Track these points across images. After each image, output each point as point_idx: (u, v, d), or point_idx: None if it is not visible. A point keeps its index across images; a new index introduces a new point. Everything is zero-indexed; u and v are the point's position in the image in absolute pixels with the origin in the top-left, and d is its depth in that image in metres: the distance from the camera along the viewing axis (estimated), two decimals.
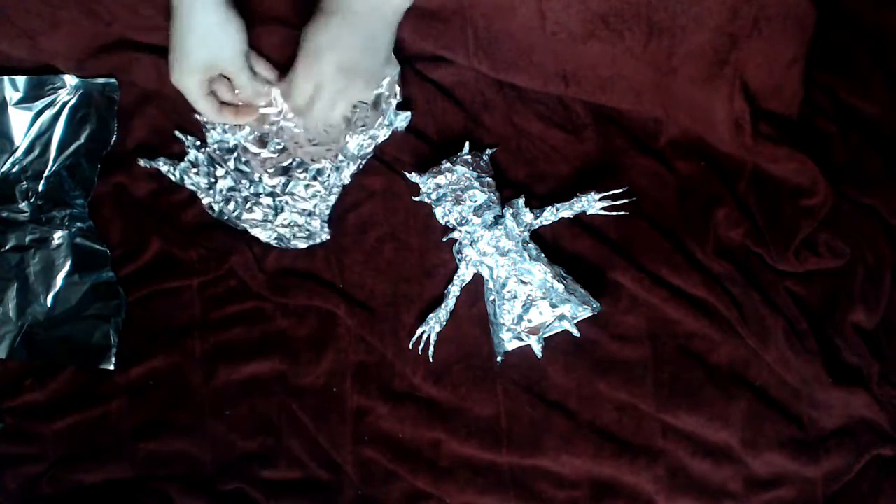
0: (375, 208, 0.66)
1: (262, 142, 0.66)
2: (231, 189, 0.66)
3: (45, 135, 0.67)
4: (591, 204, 0.62)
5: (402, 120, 0.65)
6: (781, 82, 0.63)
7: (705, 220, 0.64)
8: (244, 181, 0.66)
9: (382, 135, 0.65)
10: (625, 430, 0.62)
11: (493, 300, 0.61)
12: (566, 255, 0.64)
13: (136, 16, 0.65)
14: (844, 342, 0.62)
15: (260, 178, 0.66)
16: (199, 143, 0.66)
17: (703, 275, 0.63)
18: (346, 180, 0.65)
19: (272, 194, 0.65)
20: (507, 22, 0.63)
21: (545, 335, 0.60)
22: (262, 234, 0.65)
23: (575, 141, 0.66)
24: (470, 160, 0.63)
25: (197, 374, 0.65)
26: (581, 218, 0.64)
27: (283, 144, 0.65)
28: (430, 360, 0.63)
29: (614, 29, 0.62)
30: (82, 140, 0.67)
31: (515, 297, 0.60)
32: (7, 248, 0.66)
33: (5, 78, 0.66)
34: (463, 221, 0.62)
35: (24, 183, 0.67)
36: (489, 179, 0.63)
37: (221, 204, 0.66)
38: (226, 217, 0.66)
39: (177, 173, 0.66)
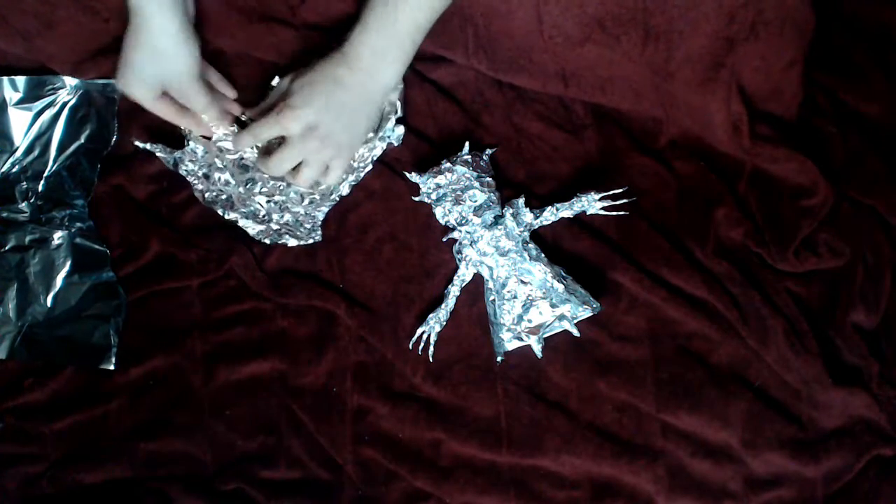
0: (375, 208, 0.66)
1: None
2: (227, 183, 0.66)
3: (44, 135, 0.67)
4: (591, 204, 0.62)
5: (398, 136, 0.65)
6: (779, 85, 0.63)
7: (705, 220, 0.64)
8: (242, 177, 0.66)
9: (379, 148, 0.65)
10: (625, 430, 0.62)
11: (493, 300, 0.61)
12: (566, 255, 0.64)
13: None
14: (844, 342, 0.62)
15: (259, 176, 0.66)
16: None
17: (703, 275, 0.63)
18: (345, 191, 0.65)
19: (269, 193, 0.65)
20: (505, 22, 0.63)
21: (545, 335, 0.60)
22: (252, 228, 0.65)
23: (575, 141, 0.66)
24: (470, 160, 0.63)
25: (197, 374, 0.65)
26: (581, 218, 0.64)
27: None
28: (430, 360, 0.63)
29: (611, 33, 0.62)
30: (82, 140, 0.67)
31: (515, 297, 0.60)
32: (7, 248, 0.66)
33: (5, 78, 0.66)
34: (463, 221, 0.62)
35: (24, 183, 0.67)
36: (489, 179, 0.63)
37: (214, 194, 0.65)
38: (217, 206, 0.65)
39: (171, 159, 0.65)
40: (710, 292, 0.62)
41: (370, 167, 0.66)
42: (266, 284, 0.65)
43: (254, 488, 0.64)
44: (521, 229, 0.61)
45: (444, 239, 0.64)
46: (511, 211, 0.61)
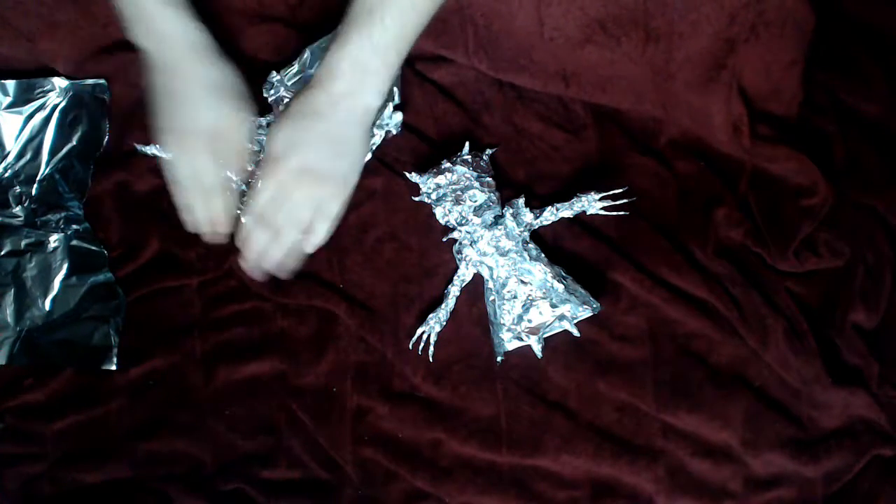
0: (375, 208, 0.66)
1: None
2: (227, 180, 0.65)
3: (36, 138, 0.67)
4: (591, 204, 0.62)
5: (396, 124, 0.65)
6: (780, 85, 0.63)
7: (705, 220, 0.64)
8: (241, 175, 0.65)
9: (378, 136, 0.65)
10: (625, 430, 0.62)
11: (493, 300, 0.61)
12: (566, 255, 0.64)
13: None
14: (844, 342, 0.62)
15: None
16: None
17: (703, 275, 0.63)
18: None
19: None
20: (506, 22, 0.63)
21: (545, 335, 0.60)
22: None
23: (575, 141, 0.66)
24: (470, 160, 0.63)
25: (197, 374, 0.65)
26: (581, 218, 0.64)
27: None
28: (430, 360, 0.63)
29: (612, 34, 0.62)
30: (74, 142, 0.67)
31: (515, 297, 0.60)
32: (2, 253, 0.66)
33: None
34: (463, 221, 0.62)
35: (18, 187, 0.66)
36: (489, 179, 0.63)
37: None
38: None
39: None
40: (710, 292, 0.62)
41: (370, 156, 0.65)
42: (266, 284, 0.65)
43: (254, 488, 0.64)
44: (521, 229, 0.61)
45: (444, 239, 0.64)
46: (511, 211, 0.61)
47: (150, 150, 0.65)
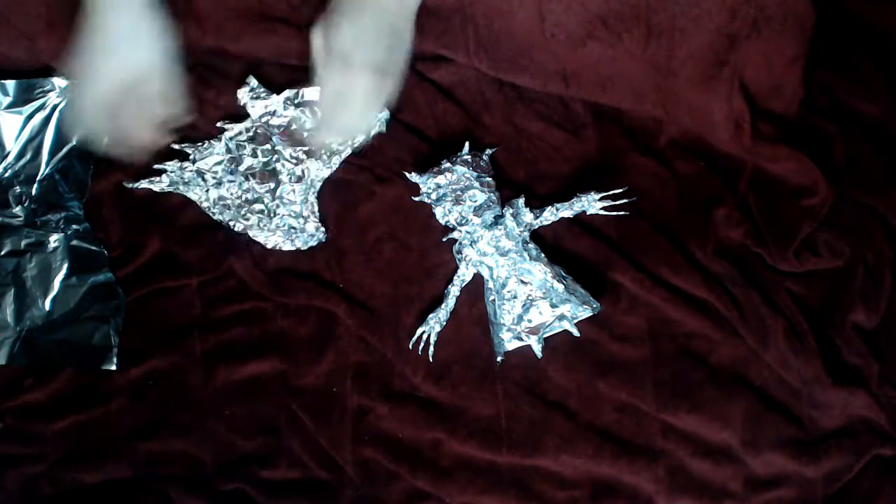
0: (375, 208, 0.66)
1: (246, 149, 0.66)
2: (221, 198, 0.66)
3: (36, 138, 0.67)
4: (591, 204, 0.62)
5: (382, 122, 0.65)
6: (781, 82, 0.63)
7: (705, 220, 0.64)
8: (233, 190, 0.66)
9: (361, 138, 0.65)
10: (625, 430, 0.62)
11: (493, 300, 0.61)
12: (566, 255, 0.64)
13: None
14: (844, 342, 0.62)
15: (249, 185, 0.65)
16: (179, 162, 0.66)
17: (703, 275, 0.63)
18: (324, 174, 0.66)
19: (261, 199, 0.65)
20: (506, 21, 0.63)
21: (545, 335, 0.60)
22: (261, 237, 0.65)
23: (575, 141, 0.66)
24: (470, 160, 0.63)
25: (197, 374, 0.65)
26: (581, 218, 0.64)
27: (270, 148, 0.66)
28: (430, 360, 0.63)
29: (613, 30, 0.62)
30: (74, 142, 0.67)
31: (515, 297, 0.60)
32: (2, 253, 0.66)
33: None
34: (463, 221, 0.62)
35: (18, 187, 0.66)
36: (489, 179, 0.63)
37: (217, 211, 0.66)
38: (225, 222, 0.66)
39: (168, 188, 0.66)
40: (710, 292, 0.62)
41: (348, 151, 0.65)
42: (266, 284, 0.65)
43: (254, 488, 0.64)
44: (521, 229, 0.61)
45: (444, 239, 0.64)
46: (511, 211, 0.61)
47: (142, 184, 0.65)
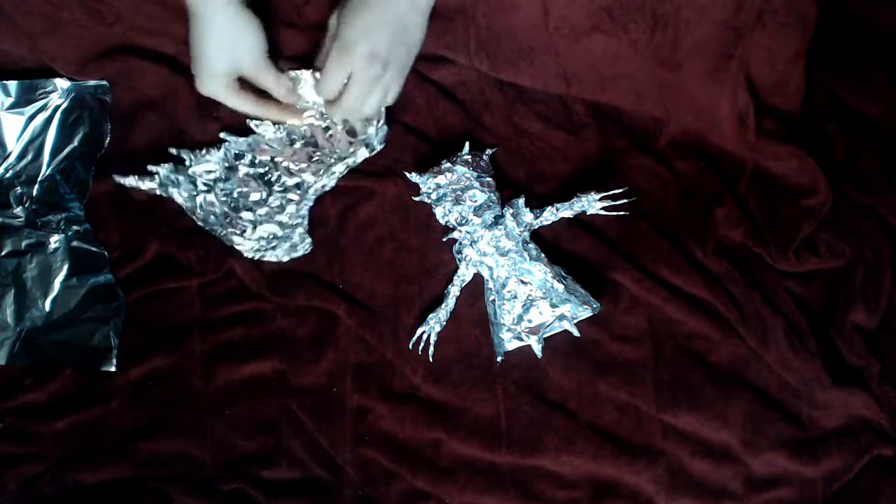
0: (375, 208, 0.66)
1: (243, 157, 0.66)
2: (210, 204, 0.65)
3: (37, 139, 0.67)
4: (591, 204, 0.62)
5: (380, 139, 0.65)
6: (785, 77, 0.63)
7: (705, 220, 0.64)
8: (223, 198, 0.65)
9: (361, 155, 0.65)
10: (625, 430, 0.62)
11: (493, 300, 0.61)
12: (566, 255, 0.64)
13: (140, 16, 0.65)
14: (844, 342, 0.62)
15: (239, 193, 0.65)
16: (174, 166, 0.66)
17: (703, 275, 0.63)
18: (314, 196, 0.65)
19: (250, 209, 0.65)
20: (509, 19, 0.63)
21: (545, 335, 0.60)
22: (244, 246, 0.65)
23: (575, 141, 0.66)
24: (470, 160, 0.63)
25: (197, 374, 0.65)
26: (581, 218, 0.64)
27: (267, 158, 0.66)
28: (430, 360, 0.63)
29: (619, 21, 0.61)
30: (76, 143, 0.67)
31: (515, 297, 0.60)
32: (3, 253, 0.66)
33: None
34: (463, 221, 0.62)
35: (19, 188, 0.66)
36: (489, 179, 0.63)
37: (202, 218, 0.65)
38: (207, 228, 0.65)
39: (157, 191, 0.66)
40: (710, 292, 0.62)
41: (343, 168, 0.65)
42: (266, 284, 0.65)
43: (254, 488, 0.64)
44: (521, 229, 0.61)
45: (444, 239, 0.64)
46: (511, 211, 0.61)
47: (129, 181, 0.65)
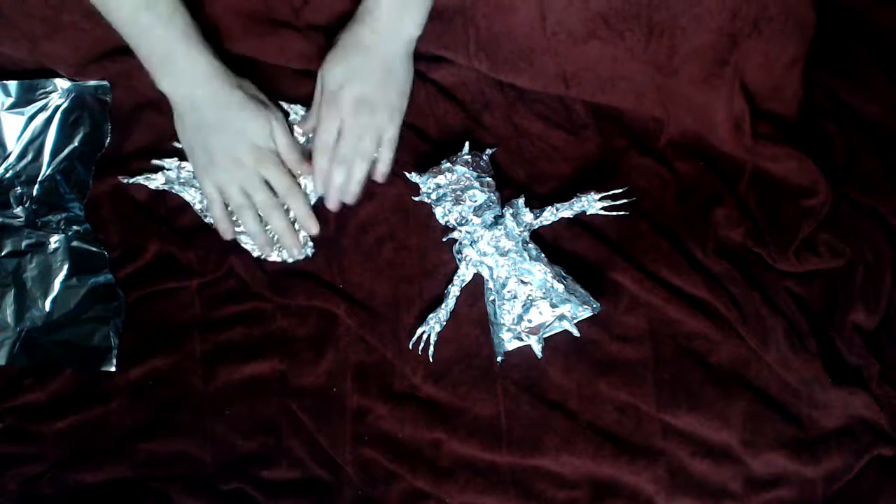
0: (375, 208, 0.66)
1: None
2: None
3: (38, 139, 0.67)
4: (591, 204, 0.62)
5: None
6: (781, 83, 0.63)
7: (705, 220, 0.64)
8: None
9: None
10: (625, 430, 0.62)
11: (493, 300, 0.61)
12: (566, 255, 0.64)
13: None
14: (844, 342, 0.62)
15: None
16: (179, 162, 0.66)
17: (703, 275, 0.63)
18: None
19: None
20: (507, 21, 0.63)
21: (545, 335, 0.60)
22: (250, 245, 0.65)
23: (575, 141, 0.66)
24: (470, 160, 0.63)
25: (197, 374, 0.65)
26: (581, 218, 0.64)
27: None
28: (430, 360, 0.63)
29: (615, 29, 0.62)
30: (76, 143, 0.67)
31: (515, 297, 0.60)
32: (3, 253, 0.66)
33: None
34: (463, 221, 0.62)
35: (19, 188, 0.67)
36: (489, 179, 0.63)
37: (211, 215, 0.65)
38: (215, 226, 0.65)
39: (163, 187, 0.66)
40: (710, 292, 0.62)
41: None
42: (266, 284, 0.65)
43: (254, 488, 0.64)
44: (521, 229, 0.61)
45: (444, 239, 0.64)
46: (511, 211, 0.61)
47: (138, 180, 0.65)
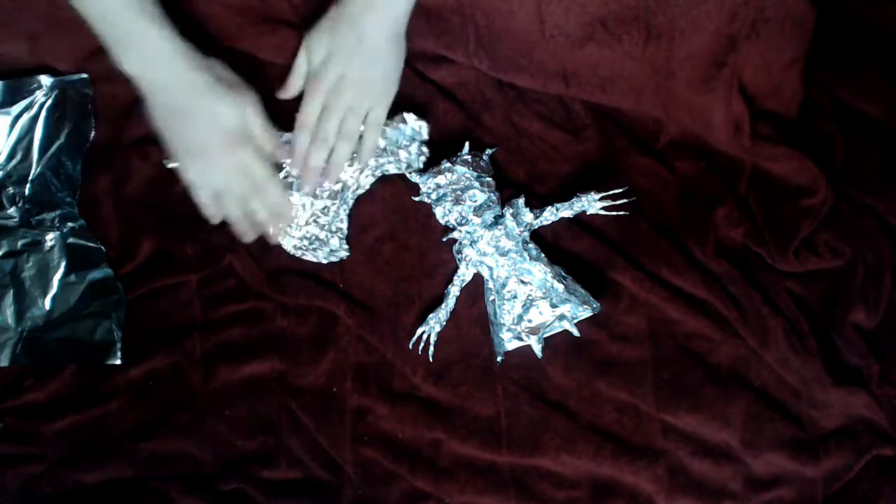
0: (375, 208, 0.66)
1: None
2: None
3: (25, 138, 0.67)
4: (591, 204, 0.62)
5: (422, 160, 0.64)
6: (780, 83, 0.63)
7: (705, 220, 0.64)
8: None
9: (394, 166, 0.64)
10: (625, 430, 0.62)
11: (493, 300, 0.61)
12: (566, 255, 0.64)
13: None
14: (844, 342, 0.62)
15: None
16: None
17: (703, 275, 0.63)
18: (365, 185, 0.65)
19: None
20: (506, 22, 0.63)
21: (545, 335, 0.60)
22: (285, 243, 0.64)
23: (575, 141, 0.66)
24: (470, 160, 0.63)
25: (197, 374, 0.65)
26: (581, 218, 0.64)
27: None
28: (430, 360, 0.63)
29: (613, 32, 0.62)
30: (62, 139, 0.67)
31: (515, 297, 0.60)
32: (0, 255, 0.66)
33: None
34: (463, 221, 0.62)
35: (10, 189, 0.66)
36: (489, 179, 0.63)
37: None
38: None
39: None
40: (710, 292, 0.62)
41: (372, 177, 0.64)
42: (265, 283, 0.65)
43: (254, 488, 0.64)
44: (521, 229, 0.61)
45: (444, 239, 0.64)
46: (511, 211, 0.61)
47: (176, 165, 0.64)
